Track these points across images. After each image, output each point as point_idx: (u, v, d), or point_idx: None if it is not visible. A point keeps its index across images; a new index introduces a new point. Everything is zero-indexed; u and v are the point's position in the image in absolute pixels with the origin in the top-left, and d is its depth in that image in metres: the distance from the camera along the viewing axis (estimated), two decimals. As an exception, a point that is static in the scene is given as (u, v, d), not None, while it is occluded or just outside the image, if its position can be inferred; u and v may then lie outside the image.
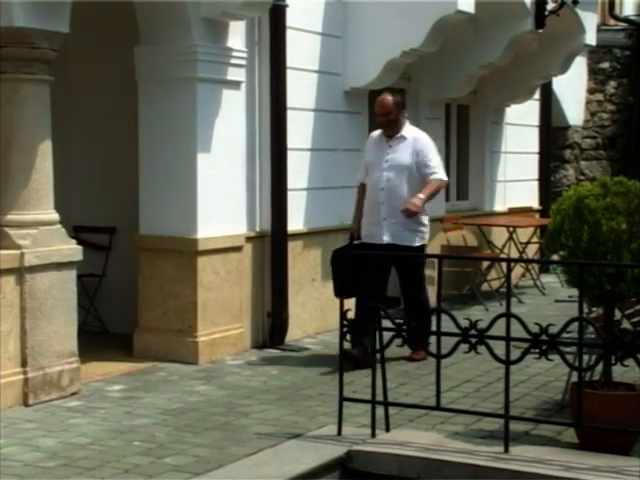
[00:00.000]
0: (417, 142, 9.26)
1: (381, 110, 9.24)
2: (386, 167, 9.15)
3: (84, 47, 10.02)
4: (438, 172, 9.30)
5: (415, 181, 9.20)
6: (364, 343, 8.62)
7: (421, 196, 9.05)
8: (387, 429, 6.92)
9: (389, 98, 9.30)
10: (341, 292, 8.49)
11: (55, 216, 7.99)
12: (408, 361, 9.20)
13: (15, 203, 7.74)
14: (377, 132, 9.47)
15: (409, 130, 9.40)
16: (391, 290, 12.09)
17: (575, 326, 6.26)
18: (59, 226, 8.02)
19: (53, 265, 7.85)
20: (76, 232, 9.75)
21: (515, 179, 15.34)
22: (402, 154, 9.18)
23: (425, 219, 9.36)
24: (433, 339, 6.61)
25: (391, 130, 9.26)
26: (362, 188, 9.42)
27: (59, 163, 8.26)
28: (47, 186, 7.90)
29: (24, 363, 7.67)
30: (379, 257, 8.74)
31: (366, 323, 7.17)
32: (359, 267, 8.43)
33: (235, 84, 9.66)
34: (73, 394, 8.01)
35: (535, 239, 14.33)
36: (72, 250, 8.07)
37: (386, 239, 9.08)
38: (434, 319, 6.61)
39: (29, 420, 7.33)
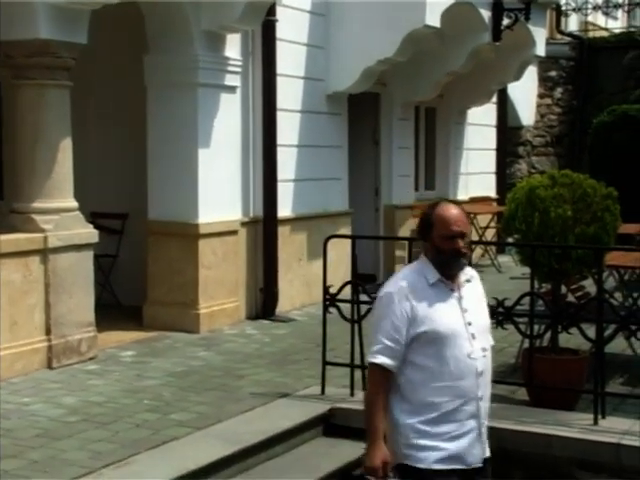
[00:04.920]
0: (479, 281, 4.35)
1: (460, 227, 4.11)
2: (474, 333, 4.11)
3: (101, 55, 9.96)
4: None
5: None
6: None
7: None
8: (364, 389, 6.93)
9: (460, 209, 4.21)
10: None
11: (75, 204, 7.98)
12: None
13: (40, 193, 7.73)
14: (411, 272, 4.18)
15: None
16: (367, 267, 12.18)
17: (527, 300, 6.30)
18: (78, 212, 8.00)
19: (73, 247, 7.84)
20: (93, 218, 9.69)
21: (475, 172, 15.36)
22: (481, 310, 4.24)
23: None
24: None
25: (463, 265, 4.20)
26: (388, 377, 4.07)
27: (78, 158, 8.24)
28: (68, 178, 7.89)
29: (48, 332, 7.67)
30: None
31: None
32: None
33: (231, 89, 9.64)
34: (91, 359, 8.01)
35: (493, 224, 14.34)
36: (89, 233, 8.06)
37: (487, 453, 4.22)
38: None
39: (53, 381, 7.34)
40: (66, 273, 7.79)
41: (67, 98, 7.85)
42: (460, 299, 4.12)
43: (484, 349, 4.12)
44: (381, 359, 4.03)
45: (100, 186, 10.46)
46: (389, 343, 4.04)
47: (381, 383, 4.07)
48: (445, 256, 4.10)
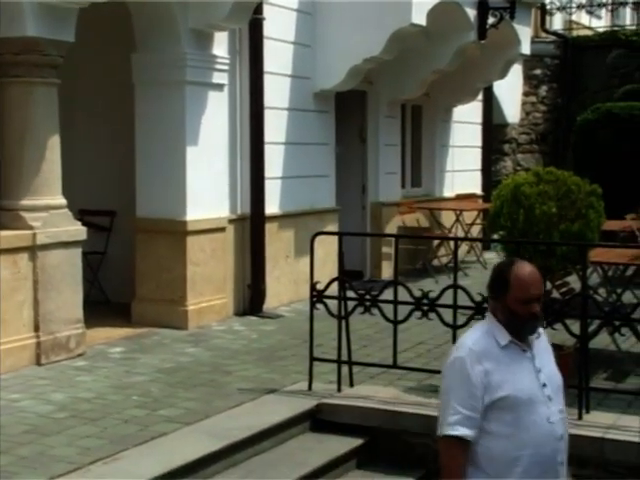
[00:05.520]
0: (545, 336, 4.03)
1: (539, 289, 3.82)
2: (550, 395, 3.84)
3: (88, 53, 9.92)
4: None
5: None
6: None
7: None
8: (351, 385, 6.95)
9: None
10: None
11: (63, 201, 7.95)
12: None
13: (28, 190, 7.70)
14: (479, 334, 3.83)
15: None
16: (354, 264, 12.18)
17: (512, 296, 6.29)
18: (66, 210, 7.98)
19: (61, 244, 7.82)
20: (81, 215, 9.67)
21: (461, 169, 15.37)
22: (552, 367, 3.96)
23: None
24: (390, 307, 6.63)
25: (538, 328, 3.90)
26: (466, 449, 3.72)
27: (67, 155, 8.21)
28: (56, 175, 7.86)
29: (37, 328, 7.64)
30: None
31: None
32: None
33: (219, 87, 9.62)
34: (79, 355, 7.99)
35: (478, 221, 14.35)
36: (78, 231, 8.04)
37: None
38: (392, 289, 6.63)
39: (41, 377, 7.31)
40: (54, 270, 7.76)
41: (55, 96, 7.82)
42: (533, 359, 3.80)
43: (561, 411, 3.85)
44: (462, 431, 3.66)
45: (88, 183, 10.43)
46: (467, 412, 3.67)
47: (461, 456, 3.70)
48: (520, 320, 3.76)
